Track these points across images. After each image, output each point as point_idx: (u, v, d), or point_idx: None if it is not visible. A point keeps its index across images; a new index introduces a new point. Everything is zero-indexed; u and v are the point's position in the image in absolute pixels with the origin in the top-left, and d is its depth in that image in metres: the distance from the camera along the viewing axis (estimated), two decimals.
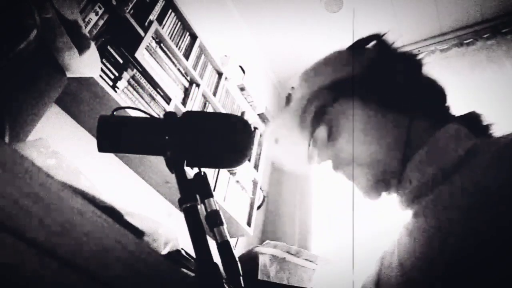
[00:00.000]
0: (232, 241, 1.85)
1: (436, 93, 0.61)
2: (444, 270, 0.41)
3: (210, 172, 1.82)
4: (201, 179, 0.45)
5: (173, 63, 1.76)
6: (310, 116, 0.60)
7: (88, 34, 0.92)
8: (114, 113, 0.48)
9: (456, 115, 0.60)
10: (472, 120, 0.58)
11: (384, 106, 0.56)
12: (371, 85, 0.57)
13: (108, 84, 1.34)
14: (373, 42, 0.63)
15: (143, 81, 1.54)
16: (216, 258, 0.39)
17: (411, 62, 0.60)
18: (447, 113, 0.60)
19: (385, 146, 0.55)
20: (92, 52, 0.90)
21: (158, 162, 1.54)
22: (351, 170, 0.57)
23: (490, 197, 0.41)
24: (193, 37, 2.00)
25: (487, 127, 0.57)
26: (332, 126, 0.59)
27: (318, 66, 0.66)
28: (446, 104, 0.61)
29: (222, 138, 0.49)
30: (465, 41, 2.53)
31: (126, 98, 1.43)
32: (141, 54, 1.51)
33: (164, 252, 0.53)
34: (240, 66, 2.42)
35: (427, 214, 0.48)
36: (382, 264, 0.58)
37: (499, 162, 0.43)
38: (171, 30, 1.85)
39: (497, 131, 0.55)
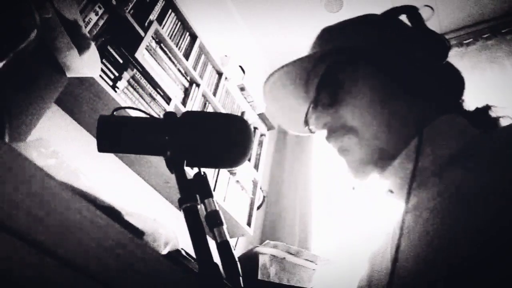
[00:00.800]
0: (232, 241, 1.85)
1: (454, 84, 0.58)
2: (438, 271, 0.40)
3: (210, 172, 1.82)
4: (201, 179, 0.45)
5: (173, 63, 1.76)
6: (318, 74, 0.57)
7: (88, 34, 0.92)
8: (114, 113, 0.48)
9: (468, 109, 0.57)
10: (480, 113, 0.56)
11: (398, 84, 0.54)
12: (391, 60, 0.54)
13: (108, 84, 1.34)
14: (407, 14, 0.60)
15: (143, 81, 1.54)
16: (216, 258, 0.39)
17: (438, 45, 0.56)
18: (459, 106, 0.57)
19: (389, 125, 0.52)
20: (92, 52, 0.90)
21: (158, 162, 1.54)
22: (345, 141, 0.54)
23: (484, 194, 0.40)
24: (193, 37, 2.00)
25: (494, 121, 0.54)
26: (339, 89, 0.55)
27: (343, 26, 0.63)
28: (462, 98, 0.58)
29: (222, 138, 0.49)
30: (465, 41, 2.53)
31: (126, 98, 1.43)
32: (141, 54, 1.51)
33: (164, 252, 0.53)
34: (240, 66, 2.42)
35: (420, 212, 0.47)
36: (372, 265, 0.58)
37: (494, 160, 0.42)
38: (171, 30, 1.85)
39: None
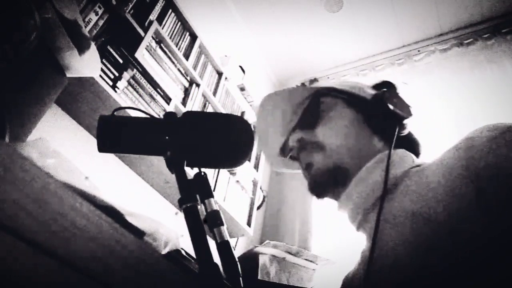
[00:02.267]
0: (232, 241, 1.85)
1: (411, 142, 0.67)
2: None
3: (210, 172, 1.82)
4: (201, 179, 0.45)
5: (173, 63, 1.76)
6: (304, 104, 0.69)
7: (88, 34, 0.92)
8: (114, 113, 0.48)
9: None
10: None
11: (364, 121, 0.64)
12: (362, 104, 0.65)
13: (108, 84, 1.34)
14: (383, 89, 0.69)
15: (143, 81, 1.54)
16: (216, 258, 0.39)
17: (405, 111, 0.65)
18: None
19: (352, 148, 0.61)
20: (92, 52, 0.90)
21: (158, 162, 1.54)
22: (313, 156, 0.63)
23: (416, 224, 0.45)
24: (193, 37, 2.00)
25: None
26: (320, 114, 0.66)
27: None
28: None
29: (222, 138, 0.49)
30: (465, 41, 2.53)
31: (126, 98, 1.43)
32: (141, 54, 1.51)
33: (164, 252, 0.53)
34: (240, 66, 2.42)
35: (368, 240, 0.54)
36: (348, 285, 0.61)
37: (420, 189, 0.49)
38: (171, 30, 1.85)
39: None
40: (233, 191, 1.99)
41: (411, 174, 0.55)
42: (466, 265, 0.38)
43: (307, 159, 0.64)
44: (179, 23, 1.93)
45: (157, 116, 1.33)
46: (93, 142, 1.33)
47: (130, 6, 1.57)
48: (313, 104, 0.68)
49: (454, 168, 0.46)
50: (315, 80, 3.02)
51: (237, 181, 2.06)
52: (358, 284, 0.56)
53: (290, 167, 0.78)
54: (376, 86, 0.72)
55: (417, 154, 0.66)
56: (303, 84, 3.03)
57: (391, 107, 0.61)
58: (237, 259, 0.40)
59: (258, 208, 2.26)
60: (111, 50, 1.41)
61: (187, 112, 0.49)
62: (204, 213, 0.43)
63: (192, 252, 0.43)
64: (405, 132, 0.63)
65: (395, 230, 0.48)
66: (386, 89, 0.68)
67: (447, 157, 0.49)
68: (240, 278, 0.39)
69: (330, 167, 0.61)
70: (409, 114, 0.62)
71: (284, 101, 0.72)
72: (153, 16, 1.72)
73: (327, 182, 0.62)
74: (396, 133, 0.61)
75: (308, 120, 0.67)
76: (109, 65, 1.38)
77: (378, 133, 0.64)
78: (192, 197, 0.42)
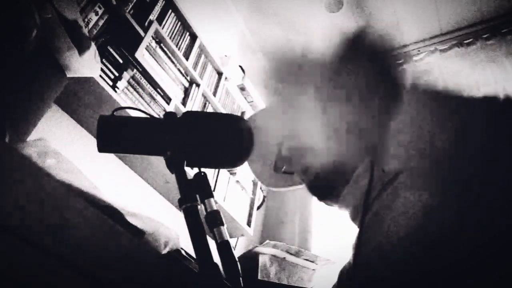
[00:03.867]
0: (232, 241, 1.85)
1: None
2: (397, 284, 0.43)
3: (210, 172, 1.82)
4: (201, 179, 0.45)
5: (173, 63, 1.76)
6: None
7: (88, 34, 0.92)
8: (114, 113, 0.48)
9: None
10: None
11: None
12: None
13: (108, 84, 1.34)
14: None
15: (143, 81, 1.54)
16: (216, 258, 0.39)
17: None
18: None
19: (353, 147, 0.59)
20: (92, 52, 0.90)
21: (158, 162, 1.54)
22: (306, 158, 0.61)
23: (403, 221, 0.45)
24: (193, 37, 2.00)
25: None
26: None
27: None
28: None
29: (222, 138, 0.49)
30: (465, 41, 2.53)
31: (126, 98, 1.43)
32: (141, 54, 1.51)
33: (164, 252, 0.53)
34: (240, 66, 2.42)
35: (368, 229, 0.53)
36: (341, 279, 0.61)
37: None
38: (171, 30, 1.85)
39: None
40: (233, 191, 1.99)
41: (400, 174, 0.53)
42: (467, 261, 0.38)
43: (300, 165, 0.63)
44: (179, 23, 1.93)
45: (157, 116, 1.33)
46: (93, 142, 1.33)
47: (130, 6, 1.57)
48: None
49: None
50: None
51: (237, 181, 2.06)
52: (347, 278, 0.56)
53: (288, 184, 0.76)
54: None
55: None
56: None
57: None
58: (237, 259, 0.40)
59: (258, 208, 2.26)
60: (111, 50, 1.41)
61: (187, 112, 0.49)
62: (204, 213, 0.43)
63: (192, 252, 0.43)
64: None
65: (379, 231, 0.49)
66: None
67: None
68: (240, 278, 0.39)
69: (326, 165, 0.60)
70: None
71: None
72: (153, 16, 1.71)
73: (327, 183, 0.61)
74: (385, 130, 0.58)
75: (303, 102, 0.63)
76: (109, 65, 1.38)
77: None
78: (192, 197, 0.42)
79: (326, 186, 0.61)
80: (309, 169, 0.62)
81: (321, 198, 0.63)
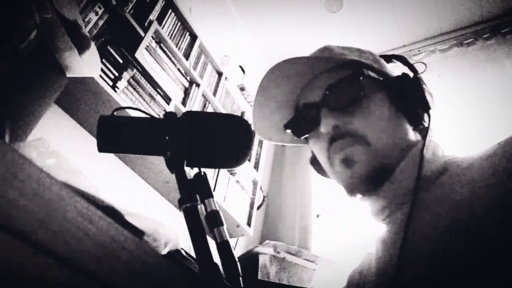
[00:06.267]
0: (232, 241, 1.85)
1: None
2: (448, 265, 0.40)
3: (210, 172, 1.82)
4: (201, 179, 0.45)
5: (173, 63, 1.76)
6: (344, 73, 0.58)
7: (88, 34, 0.92)
8: (114, 113, 0.48)
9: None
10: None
11: (403, 112, 0.58)
12: (401, 94, 0.58)
13: (108, 84, 1.34)
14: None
15: (143, 81, 1.54)
16: (216, 258, 0.39)
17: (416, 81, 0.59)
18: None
19: (394, 139, 0.55)
20: (92, 52, 0.90)
21: (158, 162, 1.54)
22: (353, 150, 0.54)
23: (460, 214, 0.42)
24: (193, 37, 2.00)
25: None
26: (360, 96, 0.56)
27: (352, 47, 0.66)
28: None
29: (222, 138, 0.49)
30: (465, 41, 2.53)
31: (126, 98, 1.43)
32: (141, 54, 1.51)
33: (164, 252, 0.53)
34: (240, 66, 2.42)
35: (399, 229, 0.49)
36: (352, 283, 0.59)
37: (463, 183, 0.46)
38: (171, 30, 1.85)
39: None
40: (233, 191, 1.99)
41: (447, 169, 0.51)
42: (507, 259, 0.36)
43: (346, 153, 0.54)
44: (179, 23, 1.93)
45: (157, 116, 1.33)
46: (93, 142, 1.33)
47: (130, 6, 1.57)
48: (352, 83, 0.57)
49: (498, 163, 0.42)
50: None
51: (237, 181, 2.06)
52: (384, 274, 0.52)
53: (289, 141, 0.69)
54: (386, 59, 0.65)
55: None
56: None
57: (428, 96, 0.55)
58: (237, 259, 0.40)
59: (258, 208, 2.26)
60: (111, 50, 1.41)
61: (187, 112, 0.49)
62: (204, 213, 0.43)
63: (192, 252, 0.43)
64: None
65: (431, 223, 0.45)
66: (409, 70, 0.62)
67: (489, 152, 0.46)
68: (240, 278, 0.39)
69: (376, 165, 0.53)
70: (433, 104, 0.57)
71: (295, 72, 0.61)
72: (153, 16, 1.71)
73: (371, 182, 0.54)
74: (429, 124, 0.55)
75: (342, 102, 0.56)
76: (109, 65, 1.38)
77: (412, 123, 0.57)
78: (192, 197, 0.42)
79: (369, 184, 0.54)
80: (354, 161, 0.54)
81: (354, 195, 0.57)
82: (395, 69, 0.64)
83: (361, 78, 0.57)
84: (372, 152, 0.53)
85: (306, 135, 0.62)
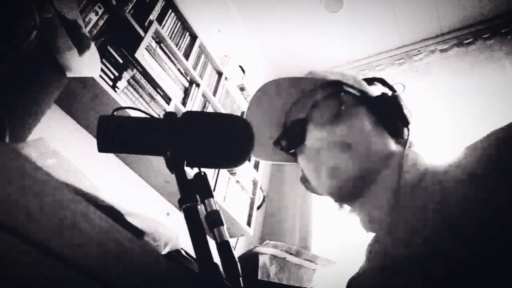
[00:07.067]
0: (232, 241, 1.84)
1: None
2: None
3: (210, 172, 1.82)
4: (201, 179, 0.45)
5: (173, 63, 1.76)
6: (326, 91, 0.64)
7: (88, 34, 0.92)
8: (114, 113, 0.48)
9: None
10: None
11: (382, 125, 0.62)
12: (378, 109, 0.63)
13: (108, 84, 1.34)
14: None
15: (143, 81, 1.54)
16: (216, 258, 0.39)
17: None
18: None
19: (376, 146, 0.59)
20: (92, 52, 0.90)
21: (158, 162, 1.54)
22: (339, 158, 0.58)
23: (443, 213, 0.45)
24: (193, 37, 2.00)
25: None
26: (341, 109, 0.61)
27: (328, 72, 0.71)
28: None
29: (222, 138, 0.49)
30: (465, 41, 2.53)
31: (126, 98, 1.43)
32: (141, 54, 1.51)
33: (164, 252, 0.53)
34: (240, 66, 2.42)
35: (384, 240, 0.53)
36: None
37: (446, 184, 0.49)
38: (171, 30, 1.85)
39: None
40: (233, 191, 1.99)
41: (428, 178, 0.54)
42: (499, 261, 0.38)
43: (330, 162, 0.59)
44: (179, 23, 1.93)
45: (157, 116, 1.33)
46: (93, 142, 1.33)
47: (130, 6, 1.57)
48: (333, 99, 0.63)
49: (469, 167, 0.46)
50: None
51: (237, 181, 2.06)
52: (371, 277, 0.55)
53: (278, 158, 0.72)
54: (368, 81, 0.71)
55: None
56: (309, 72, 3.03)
57: (406, 112, 0.61)
58: (237, 259, 0.40)
59: (258, 208, 2.26)
60: (111, 50, 1.41)
61: (187, 112, 0.49)
62: (204, 213, 0.43)
63: (192, 252, 0.43)
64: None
65: (411, 230, 0.49)
66: (386, 88, 0.67)
67: (468, 156, 0.49)
68: (240, 278, 0.39)
69: (361, 170, 0.57)
70: (411, 119, 0.62)
71: (287, 90, 0.66)
72: (153, 16, 1.71)
73: (355, 189, 0.58)
74: (408, 137, 0.60)
75: (325, 116, 0.62)
76: (109, 65, 1.38)
77: (392, 134, 0.62)
78: (192, 197, 0.42)
79: (354, 190, 0.58)
80: (338, 169, 0.58)
81: (342, 203, 0.62)
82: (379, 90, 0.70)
83: (342, 94, 0.62)
84: (356, 158, 0.57)
85: (294, 150, 0.66)
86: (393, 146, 0.61)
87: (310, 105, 0.63)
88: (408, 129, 0.62)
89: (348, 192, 0.58)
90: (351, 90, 0.64)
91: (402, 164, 0.56)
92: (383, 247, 0.54)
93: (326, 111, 0.62)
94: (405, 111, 0.61)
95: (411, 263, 0.46)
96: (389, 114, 0.62)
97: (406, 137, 0.61)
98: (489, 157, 0.45)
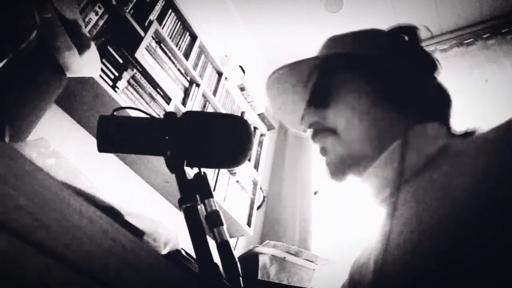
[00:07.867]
0: (232, 241, 1.84)
1: (439, 98, 0.61)
2: (421, 275, 0.39)
3: (210, 172, 1.82)
4: (201, 179, 0.45)
5: (173, 63, 1.76)
6: (315, 76, 0.62)
7: (88, 34, 0.92)
8: (114, 113, 0.48)
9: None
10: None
11: (386, 93, 0.56)
12: (382, 70, 0.57)
13: (108, 84, 1.34)
14: (407, 33, 0.65)
15: (143, 81, 1.54)
16: (216, 258, 0.39)
17: (428, 63, 0.60)
18: (444, 117, 0.59)
19: (369, 131, 0.55)
20: (92, 52, 0.90)
21: (158, 162, 1.54)
22: (327, 142, 0.58)
23: (453, 199, 0.40)
24: (193, 37, 2.00)
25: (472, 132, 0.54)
26: (330, 93, 0.60)
27: (345, 36, 0.68)
28: (447, 110, 0.61)
29: (222, 138, 0.49)
30: (465, 41, 2.53)
31: (126, 98, 1.43)
32: (141, 54, 1.51)
33: (164, 252, 0.53)
34: (240, 66, 2.42)
35: (398, 215, 0.48)
36: (353, 273, 0.59)
37: (461, 166, 0.43)
38: (171, 30, 1.85)
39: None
40: (233, 191, 1.99)
41: (446, 153, 0.48)
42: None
43: (321, 144, 0.60)
44: (179, 23, 1.93)
45: (157, 116, 1.33)
46: (93, 142, 1.33)
47: (130, 6, 1.57)
48: (322, 79, 0.61)
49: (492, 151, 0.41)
50: None
51: (237, 181, 2.06)
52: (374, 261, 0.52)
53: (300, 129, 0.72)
54: (395, 31, 0.65)
55: (446, 119, 0.58)
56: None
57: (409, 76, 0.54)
58: (237, 259, 0.40)
59: (258, 208, 2.26)
60: (111, 50, 1.41)
61: (187, 112, 0.49)
62: (204, 213, 0.43)
63: (192, 252, 0.43)
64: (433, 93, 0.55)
65: (421, 212, 0.44)
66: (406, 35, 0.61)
67: (491, 135, 0.44)
68: (240, 278, 0.39)
69: (344, 155, 0.56)
70: (436, 66, 0.56)
71: (292, 73, 0.64)
72: (153, 16, 1.71)
73: (343, 169, 0.57)
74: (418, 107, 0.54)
75: (318, 98, 0.61)
76: (109, 65, 1.38)
77: (403, 104, 0.55)
78: (192, 197, 0.42)
79: (342, 170, 0.57)
80: (326, 150, 0.58)
81: (340, 180, 0.59)
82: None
83: (330, 77, 0.60)
84: (341, 143, 0.57)
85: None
86: (403, 119, 0.54)
87: (310, 89, 0.63)
88: (431, 98, 0.55)
89: (339, 170, 0.58)
90: (349, 65, 0.59)
91: (407, 143, 0.50)
92: (384, 227, 0.51)
93: (317, 96, 0.61)
94: (409, 75, 0.55)
95: (412, 244, 0.43)
96: (390, 81, 0.55)
97: (415, 108, 0.54)
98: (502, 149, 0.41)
